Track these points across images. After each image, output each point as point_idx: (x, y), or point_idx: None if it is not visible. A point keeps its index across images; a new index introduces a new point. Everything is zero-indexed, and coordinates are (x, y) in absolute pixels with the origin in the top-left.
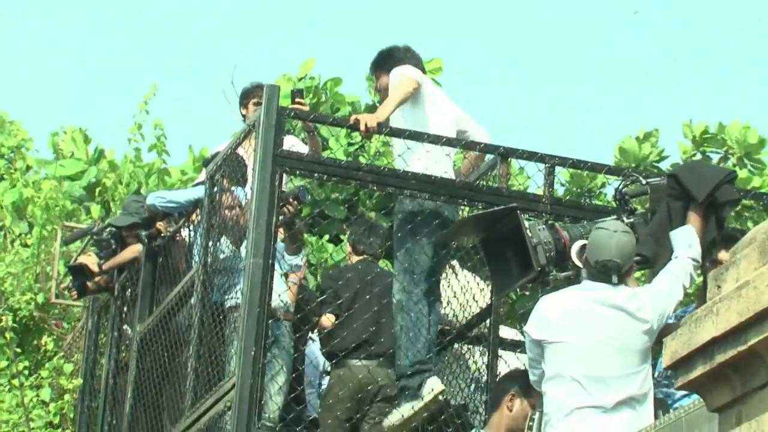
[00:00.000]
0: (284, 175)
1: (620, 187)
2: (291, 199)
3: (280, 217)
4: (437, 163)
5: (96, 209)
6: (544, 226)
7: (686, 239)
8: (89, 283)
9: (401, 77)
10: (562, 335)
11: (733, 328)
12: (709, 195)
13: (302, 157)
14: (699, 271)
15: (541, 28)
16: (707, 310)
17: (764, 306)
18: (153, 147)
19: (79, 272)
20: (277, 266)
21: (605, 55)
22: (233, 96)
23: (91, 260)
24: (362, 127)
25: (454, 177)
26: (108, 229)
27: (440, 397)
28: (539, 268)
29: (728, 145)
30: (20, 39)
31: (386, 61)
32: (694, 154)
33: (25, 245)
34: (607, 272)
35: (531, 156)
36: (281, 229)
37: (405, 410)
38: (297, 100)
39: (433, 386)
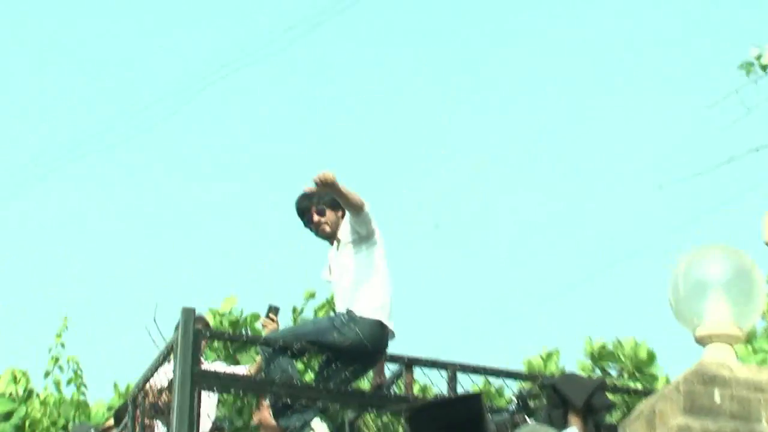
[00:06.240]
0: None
1: (522, 391)
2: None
3: None
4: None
5: None
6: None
7: None
8: None
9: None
10: None
11: None
12: (586, 401)
13: (219, 375)
14: None
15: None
16: None
17: None
18: (71, 381)
19: None
20: None
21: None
22: (156, 333)
23: None
24: (319, 176)
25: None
26: None
27: None
28: None
29: (622, 361)
30: None
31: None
32: (594, 370)
33: None
34: None
35: (434, 364)
36: None
37: None
38: (270, 315)
39: None
